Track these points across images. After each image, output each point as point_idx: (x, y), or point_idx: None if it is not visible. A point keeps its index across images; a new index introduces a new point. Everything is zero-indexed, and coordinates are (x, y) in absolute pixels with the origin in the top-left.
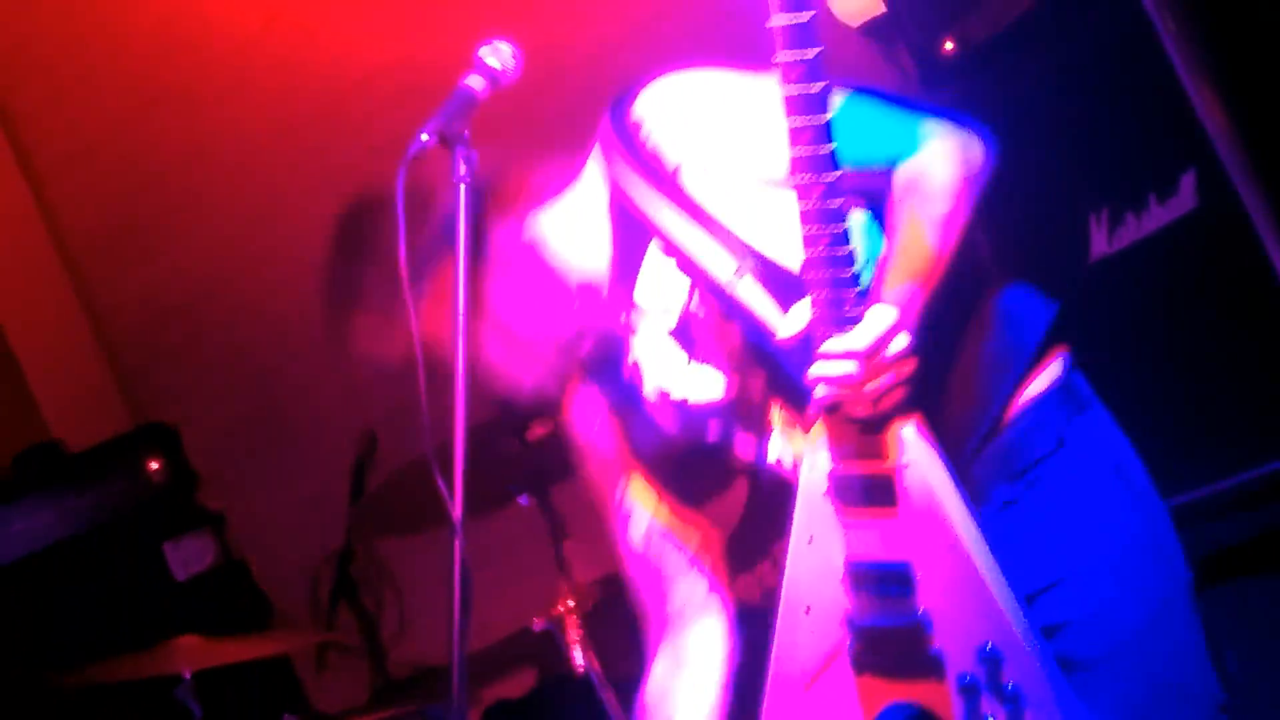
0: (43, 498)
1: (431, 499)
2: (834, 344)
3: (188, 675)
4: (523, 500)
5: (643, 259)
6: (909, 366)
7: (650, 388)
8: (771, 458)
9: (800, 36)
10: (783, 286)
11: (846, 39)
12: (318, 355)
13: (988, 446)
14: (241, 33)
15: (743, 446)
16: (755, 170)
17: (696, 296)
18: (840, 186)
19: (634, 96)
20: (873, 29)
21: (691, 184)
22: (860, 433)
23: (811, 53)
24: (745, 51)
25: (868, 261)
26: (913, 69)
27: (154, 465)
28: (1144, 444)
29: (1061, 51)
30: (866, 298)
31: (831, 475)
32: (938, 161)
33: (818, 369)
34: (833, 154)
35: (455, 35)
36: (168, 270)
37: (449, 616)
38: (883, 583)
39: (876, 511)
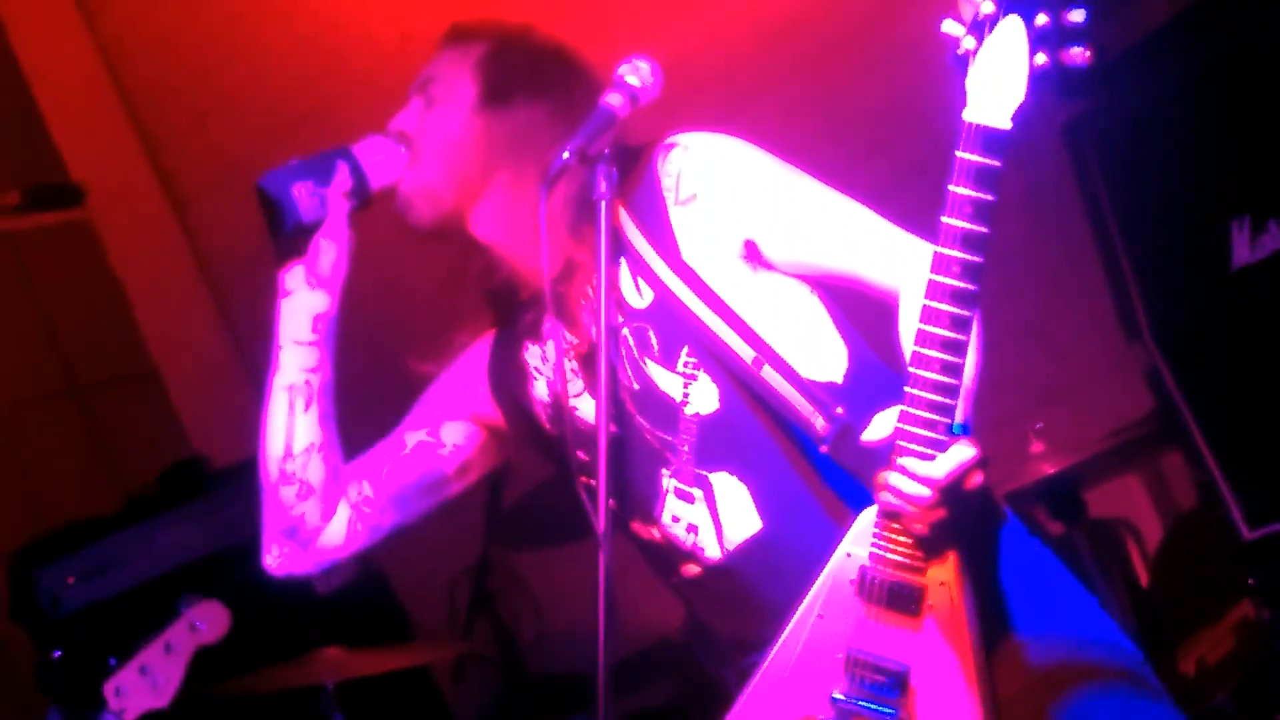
0: (188, 513)
1: (568, 512)
2: (916, 465)
3: (331, 686)
4: None
5: (589, 280)
6: (976, 501)
7: (542, 386)
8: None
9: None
10: (791, 380)
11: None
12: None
13: None
14: (377, 51)
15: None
16: (766, 251)
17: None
18: (969, 321)
19: (668, 148)
20: (1082, 42)
21: (694, 253)
22: (908, 544)
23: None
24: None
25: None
26: None
27: None
28: None
29: (1200, 59)
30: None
31: (863, 569)
32: None
33: (894, 480)
34: (976, 293)
35: (595, 51)
36: None
37: (589, 627)
38: (878, 675)
39: (896, 616)
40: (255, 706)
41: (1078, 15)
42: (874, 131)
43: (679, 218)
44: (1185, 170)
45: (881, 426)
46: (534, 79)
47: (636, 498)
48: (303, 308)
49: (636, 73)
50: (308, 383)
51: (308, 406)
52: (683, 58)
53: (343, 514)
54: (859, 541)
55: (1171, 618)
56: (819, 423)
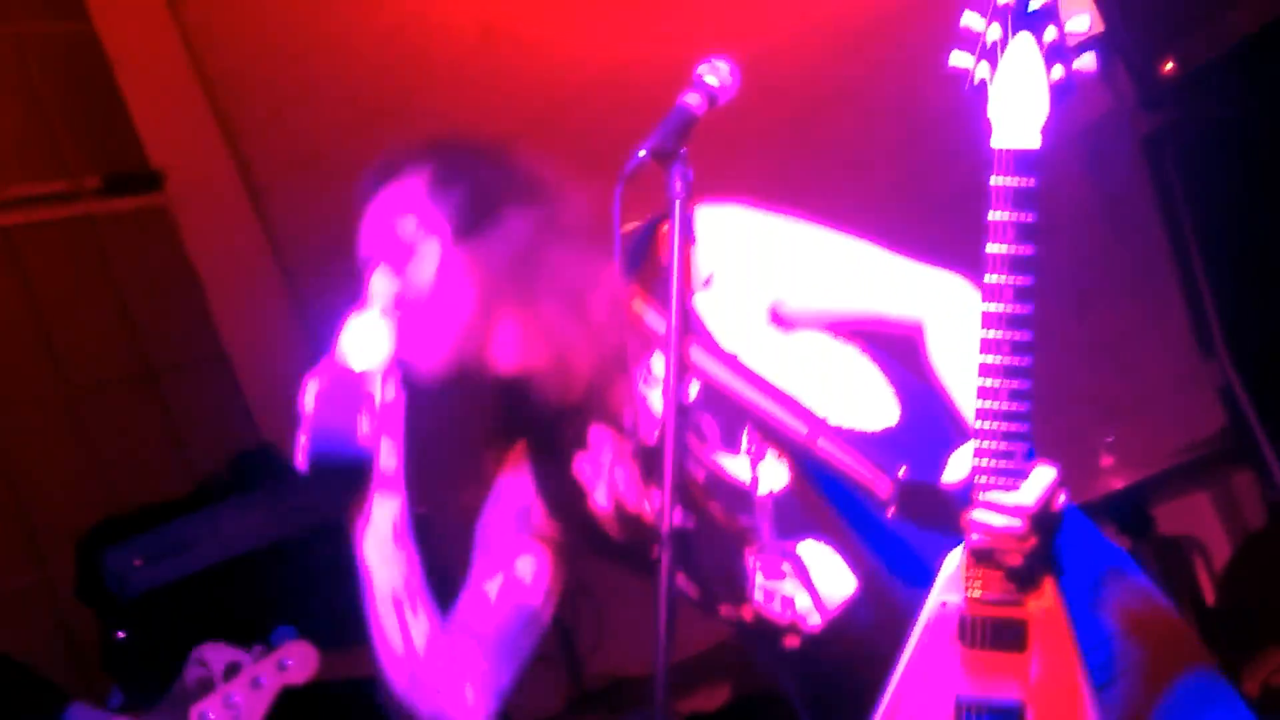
0: (257, 499)
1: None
2: (1004, 498)
3: None
4: None
5: (637, 378)
6: (1061, 520)
7: (601, 495)
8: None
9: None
10: (847, 447)
11: None
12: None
13: None
14: (460, 45)
15: (682, 580)
16: (790, 310)
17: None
18: (1029, 345)
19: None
20: (1089, 48)
21: (726, 333)
22: (1004, 578)
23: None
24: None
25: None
26: (1130, 89)
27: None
28: None
29: None
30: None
31: (961, 615)
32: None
33: (981, 517)
34: (1032, 290)
35: (674, 48)
36: None
37: (649, 628)
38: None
39: (1002, 655)
40: (317, 694)
41: (1081, 23)
42: (953, 137)
43: (701, 301)
44: (1268, 186)
45: (958, 467)
46: (505, 190)
47: (722, 583)
48: (383, 523)
49: (715, 73)
50: (406, 584)
51: (414, 607)
52: (760, 61)
53: (466, 692)
54: (951, 588)
55: (1237, 638)
56: (882, 487)
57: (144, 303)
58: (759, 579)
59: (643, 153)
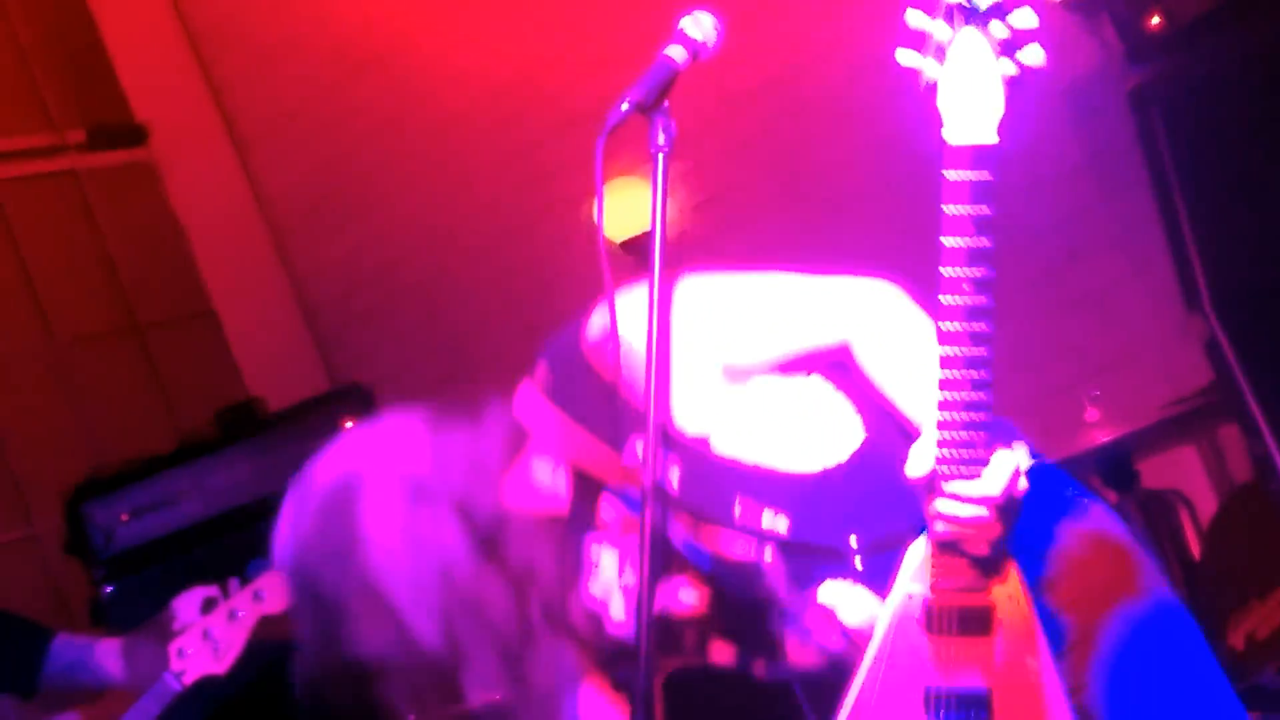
0: (242, 454)
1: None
2: (968, 488)
3: None
4: None
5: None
6: (1021, 506)
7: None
8: None
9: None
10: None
11: (1048, 12)
12: (509, 320)
13: None
14: (441, 3)
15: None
16: (738, 368)
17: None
18: (989, 336)
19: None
20: (1076, 2)
21: (688, 418)
22: (969, 567)
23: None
24: None
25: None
26: (1116, 43)
27: (349, 425)
28: None
29: (1274, 27)
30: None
31: (927, 604)
32: (891, 312)
33: (946, 508)
34: (989, 282)
35: (655, 5)
36: (365, 235)
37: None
38: (962, 708)
39: (968, 641)
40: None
41: (1027, 18)
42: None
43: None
44: (1254, 140)
45: (920, 460)
46: None
47: (753, 650)
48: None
49: (699, 26)
50: None
51: None
52: (745, 16)
53: None
54: (916, 578)
55: (1222, 591)
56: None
57: (129, 257)
58: (788, 636)
59: (625, 105)
